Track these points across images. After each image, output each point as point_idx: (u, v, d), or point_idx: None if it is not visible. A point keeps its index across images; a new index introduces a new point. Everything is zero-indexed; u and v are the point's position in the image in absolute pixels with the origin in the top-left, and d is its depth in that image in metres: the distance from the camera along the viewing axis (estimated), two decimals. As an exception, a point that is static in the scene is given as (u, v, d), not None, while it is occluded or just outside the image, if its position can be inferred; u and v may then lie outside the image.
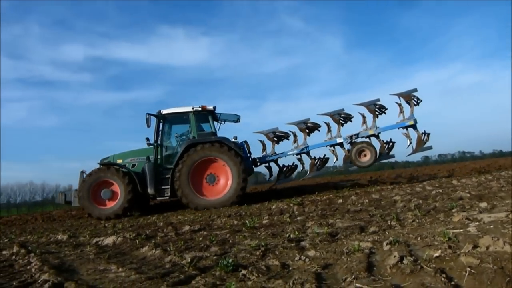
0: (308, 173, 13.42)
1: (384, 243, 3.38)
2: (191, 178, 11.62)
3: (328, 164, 13.84)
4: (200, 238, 5.04)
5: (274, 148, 13.67)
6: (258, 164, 13.68)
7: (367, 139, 12.95)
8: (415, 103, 12.95)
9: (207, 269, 3.23)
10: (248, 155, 13.33)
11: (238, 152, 11.82)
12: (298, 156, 13.52)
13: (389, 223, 4.55)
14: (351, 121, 13.30)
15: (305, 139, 13.36)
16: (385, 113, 13.19)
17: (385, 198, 7.98)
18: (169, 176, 11.80)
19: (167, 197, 12.11)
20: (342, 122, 13.30)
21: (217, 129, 12.78)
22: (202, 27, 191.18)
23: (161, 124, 12.51)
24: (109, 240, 5.66)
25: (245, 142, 13.41)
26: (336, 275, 2.78)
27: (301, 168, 13.63)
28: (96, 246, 5.37)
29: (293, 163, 13.69)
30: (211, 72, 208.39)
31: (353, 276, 2.61)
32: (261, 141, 13.85)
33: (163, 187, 11.91)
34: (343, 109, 13.07)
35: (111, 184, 11.74)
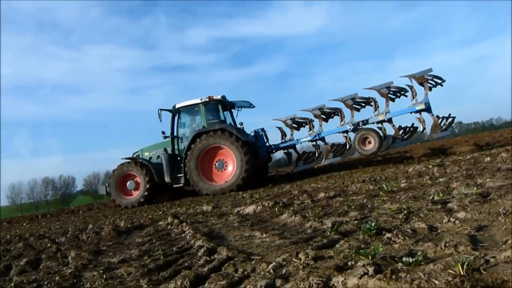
0: (323, 159, 13.15)
1: (551, 202, 2.98)
2: (200, 165, 12.47)
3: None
4: (337, 204, 5.03)
5: (292, 135, 13.62)
6: (274, 151, 14.01)
7: (379, 125, 12.21)
8: (432, 85, 11.54)
9: (349, 233, 3.21)
10: (265, 142, 13.66)
11: (239, 137, 12.20)
12: (314, 143, 13.37)
13: (554, 180, 3.99)
14: (371, 105, 12.39)
15: (321, 125, 13.00)
16: (405, 96, 12.09)
17: (544, 153, 6.99)
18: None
19: (182, 184, 13.06)
20: (357, 107, 12.62)
21: (235, 116, 13.90)
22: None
23: (176, 117, 13.51)
24: (249, 209, 5.99)
25: (262, 129, 13.73)
26: (493, 237, 2.53)
27: (317, 154, 13.55)
28: (238, 215, 5.73)
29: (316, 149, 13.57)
30: (332, 36, 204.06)
31: (515, 238, 2.35)
32: (279, 128, 13.94)
33: (178, 175, 12.99)
34: (356, 94, 12.28)
35: (134, 176, 13.25)
